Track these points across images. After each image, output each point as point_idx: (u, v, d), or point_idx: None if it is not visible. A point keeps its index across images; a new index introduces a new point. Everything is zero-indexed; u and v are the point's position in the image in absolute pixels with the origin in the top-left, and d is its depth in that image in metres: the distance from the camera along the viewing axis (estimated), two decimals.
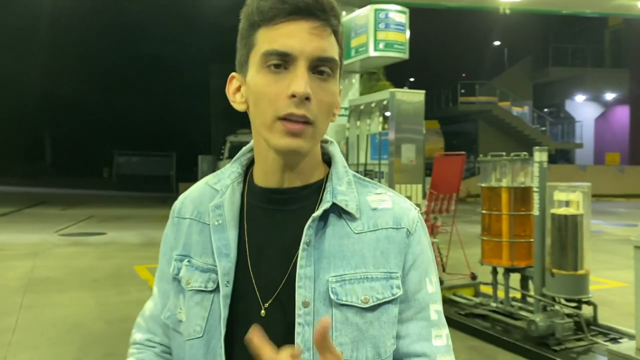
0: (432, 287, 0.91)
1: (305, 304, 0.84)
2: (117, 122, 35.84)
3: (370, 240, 0.88)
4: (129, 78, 34.10)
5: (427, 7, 12.06)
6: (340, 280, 0.86)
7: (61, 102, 33.79)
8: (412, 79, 26.67)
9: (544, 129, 28.40)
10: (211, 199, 0.95)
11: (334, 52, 0.86)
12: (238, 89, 0.94)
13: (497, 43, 31.29)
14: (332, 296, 0.85)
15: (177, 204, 1.03)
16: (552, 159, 26.40)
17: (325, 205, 0.88)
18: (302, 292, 0.84)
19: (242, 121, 23.36)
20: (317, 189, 0.92)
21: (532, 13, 16.00)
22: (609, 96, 29.57)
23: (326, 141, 0.98)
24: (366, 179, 0.96)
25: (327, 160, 0.97)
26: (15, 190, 24.40)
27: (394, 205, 0.92)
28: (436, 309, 0.90)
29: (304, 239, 0.86)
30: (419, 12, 11.60)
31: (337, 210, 0.89)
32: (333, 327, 0.84)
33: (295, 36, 0.83)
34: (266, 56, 0.84)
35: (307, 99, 0.82)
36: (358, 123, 6.65)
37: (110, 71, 33.63)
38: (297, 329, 0.84)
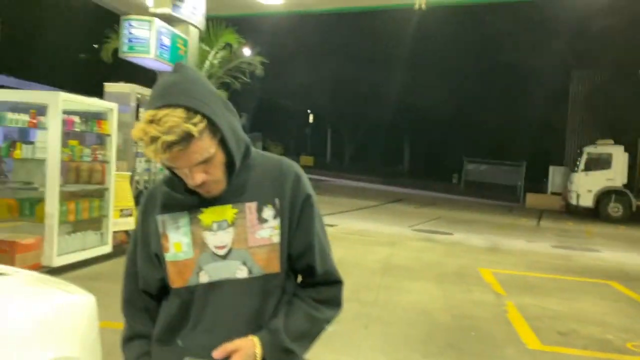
0: None
1: None
2: (469, 130, 36.95)
3: None
4: (483, 87, 34.70)
5: None
6: None
7: (419, 112, 36.77)
8: None
9: None
10: None
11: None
12: None
13: None
14: None
15: None
16: None
17: None
18: None
19: (602, 131, 21.15)
20: None
21: None
22: None
23: None
24: None
25: None
26: (379, 187, 28.14)
27: None
28: None
29: None
30: None
31: None
32: None
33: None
34: None
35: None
36: None
37: (465, 81, 34.86)
38: None
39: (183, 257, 1.38)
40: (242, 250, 1.37)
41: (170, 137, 1.20)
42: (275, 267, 1.39)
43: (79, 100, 6.81)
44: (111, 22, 10.68)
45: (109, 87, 8.16)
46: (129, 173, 8.02)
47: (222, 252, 1.37)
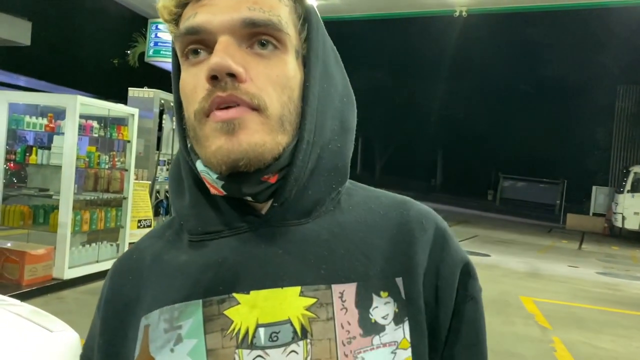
0: None
1: None
2: (506, 145, 35.93)
3: None
4: (523, 101, 33.75)
5: None
6: None
7: (454, 124, 35.98)
8: None
9: None
10: None
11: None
12: None
13: None
14: None
15: None
16: None
17: None
18: None
19: None
20: None
21: None
22: None
23: None
24: None
25: None
26: None
27: None
28: None
29: None
30: None
31: None
32: None
33: None
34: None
35: None
36: None
37: (504, 95, 33.98)
38: None
39: None
40: None
41: None
42: None
43: (98, 104, 6.49)
44: (142, 26, 10.48)
45: (133, 92, 7.86)
46: (149, 182, 7.67)
47: None
